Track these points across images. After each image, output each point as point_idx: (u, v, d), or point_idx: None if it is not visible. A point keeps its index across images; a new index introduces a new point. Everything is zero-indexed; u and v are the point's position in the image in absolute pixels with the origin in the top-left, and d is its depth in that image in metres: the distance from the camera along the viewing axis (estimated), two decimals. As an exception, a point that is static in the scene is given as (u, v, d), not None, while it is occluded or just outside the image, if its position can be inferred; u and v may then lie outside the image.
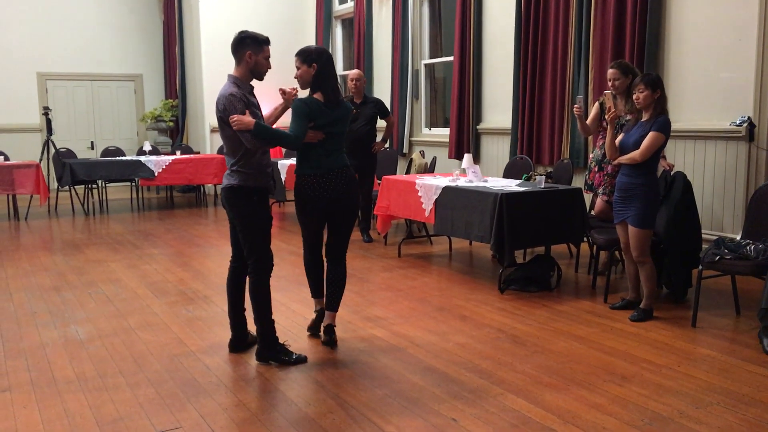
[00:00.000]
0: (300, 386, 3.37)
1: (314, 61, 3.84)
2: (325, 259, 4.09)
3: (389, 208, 6.38)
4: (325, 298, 4.03)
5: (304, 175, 3.86)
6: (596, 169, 5.37)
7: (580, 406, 3.09)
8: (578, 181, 6.44)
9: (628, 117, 4.93)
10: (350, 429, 2.90)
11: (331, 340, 3.94)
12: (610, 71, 5.12)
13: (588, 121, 5.44)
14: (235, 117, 3.50)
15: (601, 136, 5.37)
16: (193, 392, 3.30)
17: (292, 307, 4.75)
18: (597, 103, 5.46)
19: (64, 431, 2.90)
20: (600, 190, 5.29)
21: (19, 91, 11.97)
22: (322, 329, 4.00)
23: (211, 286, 5.39)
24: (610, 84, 5.13)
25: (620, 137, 4.47)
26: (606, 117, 4.72)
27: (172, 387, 3.36)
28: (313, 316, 4.21)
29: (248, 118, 3.51)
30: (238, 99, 3.55)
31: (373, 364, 3.65)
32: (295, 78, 3.92)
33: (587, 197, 5.65)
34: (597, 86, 6.50)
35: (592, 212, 5.53)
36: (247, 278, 3.76)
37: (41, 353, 3.87)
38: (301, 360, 3.71)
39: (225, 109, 3.54)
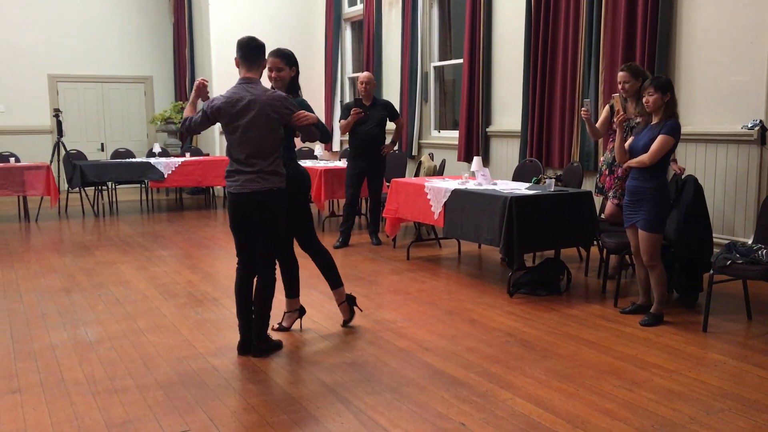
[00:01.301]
0: (309, 389, 3.36)
1: (294, 65, 4.12)
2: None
3: (398, 211, 6.38)
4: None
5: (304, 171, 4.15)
6: (606, 172, 5.34)
7: (590, 411, 3.07)
8: (588, 185, 6.42)
9: (638, 120, 4.91)
10: (359, 433, 2.89)
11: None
12: (620, 74, 5.10)
13: (597, 124, 5.42)
14: (302, 113, 3.71)
15: (611, 140, 5.35)
16: (202, 395, 3.30)
17: (300, 310, 4.75)
18: (607, 106, 5.43)
19: (73, 433, 2.91)
20: (610, 194, 5.27)
21: (30, 93, 12.05)
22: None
23: (220, 288, 5.39)
24: (620, 87, 5.11)
25: (630, 140, 4.45)
26: (615, 120, 4.70)
27: (180, 389, 3.37)
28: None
29: (311, 114, 3.77)
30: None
31: (382, 368, 3.64)
32: (273, 78, 4.03)
33: (597, 201, 5.62)
34: (607, 89, 6.48)
35: (602, 216, 5.50)
36: (258, 276, 3.82)
37: (51, 355, 3.88)
38: (278, 346, 3.93)
39: (289, 108, 3.71)
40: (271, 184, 3.71)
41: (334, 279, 4.33)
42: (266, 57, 3.86)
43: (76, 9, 12.28)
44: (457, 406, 3.15)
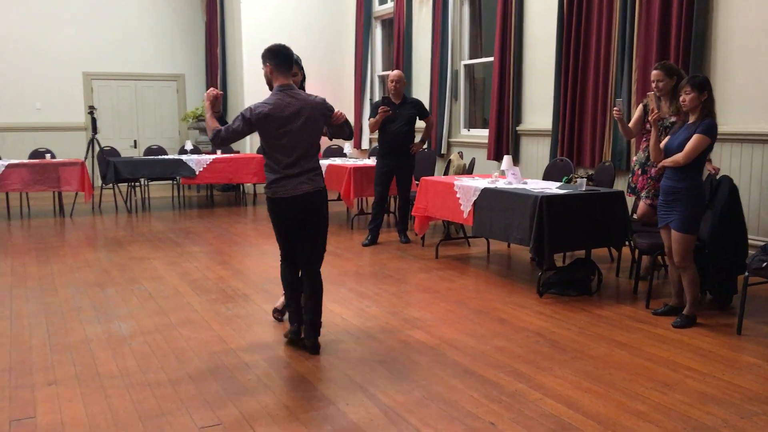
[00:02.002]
0: (339, 387, 3.39)
1: (302, 69, 4.35)
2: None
3: (427, 209, 6.38)
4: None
5: None
6: (639, 172, 5.28)
7: (621, 413, 3.05)
8: (620, 184, 6.35)
9: (673, 119, 4.85)
10: (388, 431, 2.90)
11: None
12: (654, 72, 5.04)
13: (630, 124, 5.36)
14: (339, 112, 3.90)
15: (644, 139, 5.29)
16: (234, 390, 3.34)
17: (329, 307, 4.77)
18: (640, 105, 5.37)
19: (108, 425, 2.96)
20: (643, 194, 5.21)
21: (66, 90, 12.27)
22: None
23: (251, 284, 5.45)
24: (653, 86, 5.05)
25: (666, 140, 4.39)
26: (649, 119, 4.64)
27: (212, 384, 3.41)
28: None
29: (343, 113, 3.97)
30: None
31: (411, 366, 3.65)
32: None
33: (629, 201, 5.56)
34: (640, 88, 6.40)
35: (635, 216, 5.44)
36: (311, 275, 3.92)
37: (86, 348, 3.96)
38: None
39: (330, 110, 3.89)
40: (319, 185, 3.85)
41: None
42: None
43: (112, 8, 12.47)
44: (487, 405, 3.14)
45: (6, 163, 8.94)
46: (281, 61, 3.79)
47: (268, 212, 3.95)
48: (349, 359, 3.76)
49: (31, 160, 9.37)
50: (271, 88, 3.89)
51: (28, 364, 3.70)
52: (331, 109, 3.90)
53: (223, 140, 3.76)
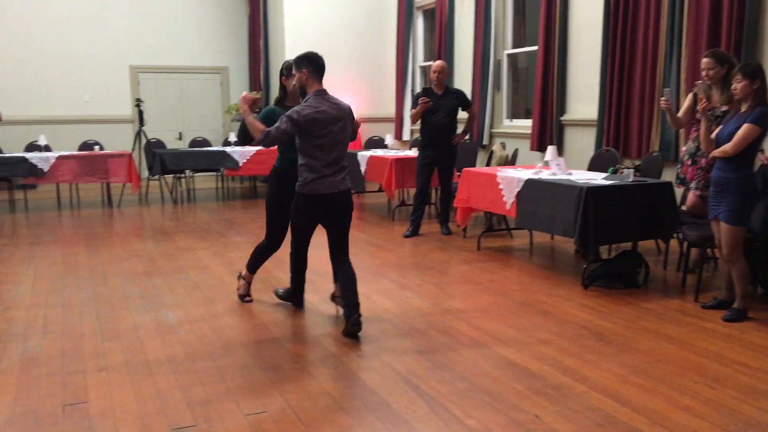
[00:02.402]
0: (381, 376, 3.40)
1: None
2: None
3: (469, 201, 6.34)
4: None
5: None
6: (689, 162, 5.16)
7: (669, 408, 2.99)
8: (668, 176, 6.21)
9: (724, 108, 4.72)
10: (431, 421, 2.91)
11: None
12: (704, 60, 4.90)
13: (680, 114, 5.24)
14: (358, 119, 4.30)
15: (694, 129, 5.16)
16: (278, 378, 3.38)
17: (371, 297, 4.79)
18: (690, 95, 5.24)
19: (157, 410, 3.03)
20: (693, 185, 5.09)
21: (113, 83, 12.52)
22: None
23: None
24: (703, 74, 4.92)
25: (717, 130, 4.28)
26: (698, 108, 4.53)
27: (257, 372, 3.46)
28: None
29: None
30: None
31: (454, 357, 3.64)
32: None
33: (678, 192, 5.43)
34: (690, 76, 6.24)
35: (683, 207, 5.32)
36: (346, 263, 4.17)
37: (135, 335, 4.05)
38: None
39: (353, 116, 4.22)
40: (350, 183, 4.20)
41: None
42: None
43: (158, 2, 12.67)
44: (531, 398, 3.12)
45: (57, 154, 9.18)
46: (317, 67, 4.03)
47: (295, 209, 4.15)
48: (392, 350, 3.77)
49: (81, 152, 9.60)
50: (302, 92, 4.09)
51: (80, 350, 3.80)
52: (354, 116, 4.24)
53: (273, 140, 3.95)
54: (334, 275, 4.35)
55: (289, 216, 4.28)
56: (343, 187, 4.10)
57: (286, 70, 4.50)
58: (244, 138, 4.25)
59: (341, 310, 4.18)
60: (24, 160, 8.97)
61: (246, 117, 4.02)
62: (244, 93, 4.16)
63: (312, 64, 4.01)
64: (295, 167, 4.12)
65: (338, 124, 4.02)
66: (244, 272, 4.84)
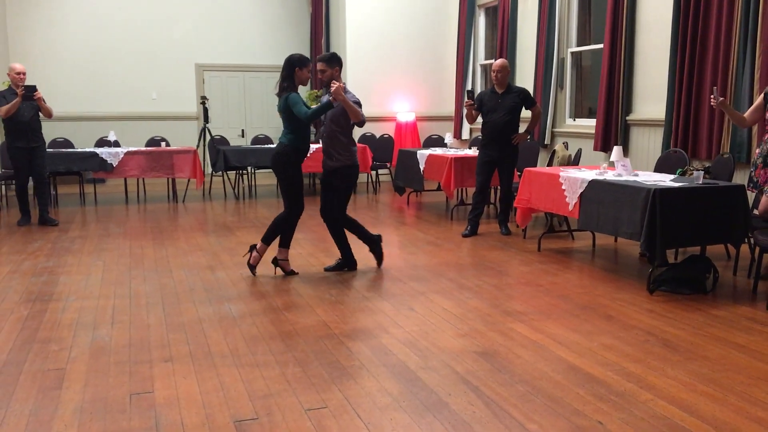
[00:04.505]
0: (440, 376, 3.38)
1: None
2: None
3: (530, 201, 6.26)
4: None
5: None
6: (762, 165, 4.97)
7: (740, 419, 2.88)
8: (739, 178, 5.99)
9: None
10: (491, 423, 2.87)
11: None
12: None
13: (747, 113, 5.06)
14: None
15: (767, 130, 4.96)
16: (338, 374, 3.40)
17: (429, 296, 4.77)
18: (762, 94, 5.04)
19: (220, 402, 3.08)
20: (766, 188, 4.89)
21: (180, 81, 12.85)
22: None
23: (352, 271, 5.53)
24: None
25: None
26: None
27: (317, 367, 3.49)
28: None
29: None
30: None
31: (514, 360, 3.60)
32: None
33: (750, 196, 5.23)
34: (764, 75, 6.00)
35: (756, 212, 5.13)
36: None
37: (198, 328, 4.14)
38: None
39: None
40: None
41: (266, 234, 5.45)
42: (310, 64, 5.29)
43: (223, 2, 12.93)
44: (594, 403, 3.05)
45: (125, 150, 9.48)
46: (341, 66, 5.28)
47: (349, 180, 5.39)
48: (450, 349, 3.75)
49: (148, 148, 9.89)
50: (327, 84, 5.13)
51: (146, 341, 3.91)
52: None
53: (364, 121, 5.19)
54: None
55: (300, 184, 5.30)
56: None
57: (300, 62, 5.21)
58: (312, 120, 5.19)
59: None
60: (94, 155, 9.29)
61: (347, 103, 5.00)
62: (339, 83, 4.97)
63: (341, 63, 5.26)
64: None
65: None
66: (258, 244, 5.39)
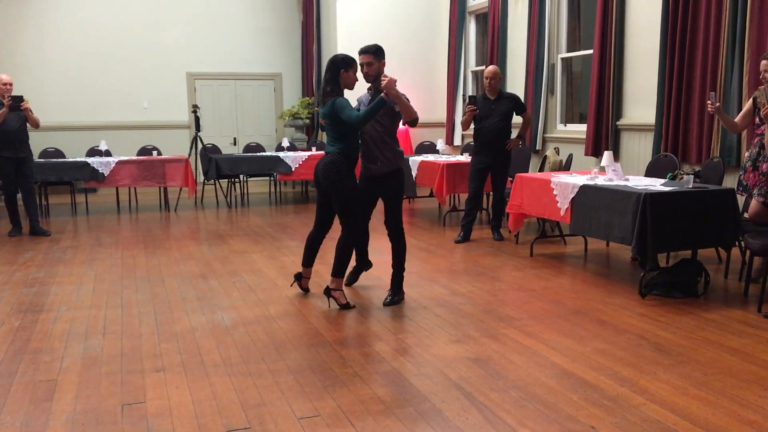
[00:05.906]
0: (433, 383, 3.38)
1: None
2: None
3: (522, 206, 6.27)
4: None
5: None
6: (751, 168, 5.00)
7: (732, 422, 2.89)
8: (729, 182, 6.03)
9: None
10: (485, 429, 2.87)
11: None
12: (762, 62, 4.76)
13: (737, 118, 5.10)
14: None
15: (756, 134, 5.00)
16: (331, 382, 3.39)
17: (422, 303, 4.77)
18: (750, 99, 5.08)
19: (212, 412, 3.07)
20: (755, 191, 4.92)
21: (171, 90, 12.85)
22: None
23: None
24: (761, 77, 4.76)
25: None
26: (761, 114, 4.39)
27: (310, 376, 3.48)
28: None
29: None
30: None
31: (506, 365, 3.60)
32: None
33: (740, 199, 5.26)
34: (752, 80, 6.04)
35: (746, 215, 5.15)
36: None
37: (191, 337, 4.13)
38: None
39: None
40: None
41: (334, 264, 4.83)
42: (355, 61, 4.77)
43: (214, 10, 12.95)
44: (587, 408, 3.05)
45: (116, 159, 9.45)
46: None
47: (402, 182, 4.88)
48: (444, 356, 3.75)
49: (139, 157, 9.87)
50: (374, 79, 4.66)
51: (138, 351, 3.90)
52: None
53: None
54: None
55: (359, 196, 4.75)
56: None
57: (345, 63, 4.69)
58: (365, 123, 4.59)
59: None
60: (86, 164, 9.26)
61: (400, 99, 4.49)
62: (391, 77, 4.42)
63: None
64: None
65: None
66: (332, 284, 4.72)
